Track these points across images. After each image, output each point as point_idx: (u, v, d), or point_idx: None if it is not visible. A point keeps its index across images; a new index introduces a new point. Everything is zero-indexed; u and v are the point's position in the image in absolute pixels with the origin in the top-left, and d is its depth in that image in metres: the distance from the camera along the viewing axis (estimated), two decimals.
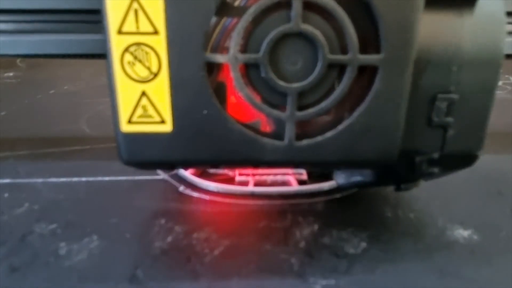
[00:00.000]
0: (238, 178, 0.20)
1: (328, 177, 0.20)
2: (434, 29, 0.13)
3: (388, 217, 0.17)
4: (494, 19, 0.13)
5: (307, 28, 0.12)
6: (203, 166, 0.15)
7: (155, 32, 0.12)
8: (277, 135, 0.13)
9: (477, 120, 0.14)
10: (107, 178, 0.20)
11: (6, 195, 0.18)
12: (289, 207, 0.18)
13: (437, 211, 0.18)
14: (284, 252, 0.15)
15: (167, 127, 0.13)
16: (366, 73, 0.13)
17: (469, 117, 0.14)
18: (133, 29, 0.12)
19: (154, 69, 0.12)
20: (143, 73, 0.12)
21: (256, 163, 0.15)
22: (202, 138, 0.13)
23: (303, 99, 0.13)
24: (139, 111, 0.13)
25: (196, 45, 0.12)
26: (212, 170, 0.21)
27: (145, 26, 0.12)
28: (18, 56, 0.19)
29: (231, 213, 0.17)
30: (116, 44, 0.12)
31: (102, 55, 0.13)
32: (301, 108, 0.13)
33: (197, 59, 0.12)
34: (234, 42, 0.12)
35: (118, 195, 0.19)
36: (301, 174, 0.20)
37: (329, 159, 0.14)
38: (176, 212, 0.17)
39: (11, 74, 0.42)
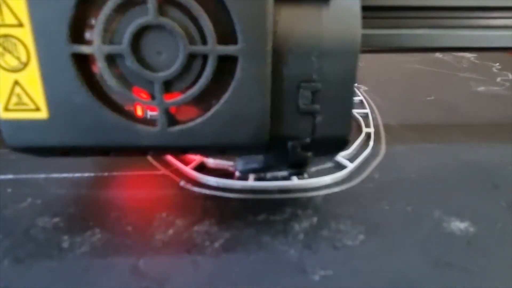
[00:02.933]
0: (238, 173, 0.20)
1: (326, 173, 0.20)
2: (293, 22, 0.14)
3: (385, 210, 0.18)
4: (350, 12, 0.14)
5: (165, 20, 0.13)
6: (81, 153, 0.16)
7: (20, 25, 0.13)
8: (152, 121, 0.14)
9: (342, 106, 0.15)
10: (107, 174, 0.20)
11: (9, 190, 0.19)
12: (288, 201, 0.18)
13: (434, 204, 0.18)
14: (283, 244, 0.15)
15: (43, 114, 0.14)
16: (229, 63, 0.13)
17: (335, 104, 0.15)
18: None
19: (23, 59, 0.13)
20: (13, 63, 0.13)
21: (132, 149, 0.15)
22: (77, 125, 0.14)
23: (173, 88, 0.14)
24: (14, 99, 0.14)
25: (60, 36, 0.13)
26: (212, 165, 0.21)
27: (9, 19, 0.13)
28: None
29: (231, 207, 0.18)
30: None
31: None
32: (173, 95, 0.14)
33: (63, 51, 0.13)
34: (96, 33, 0.13)
35: (119, 190, 0.19)
36: None
37: (201, 144, 0.14)
38: (176, 206, 0.18)
39: None
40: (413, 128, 0.27)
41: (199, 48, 0.13)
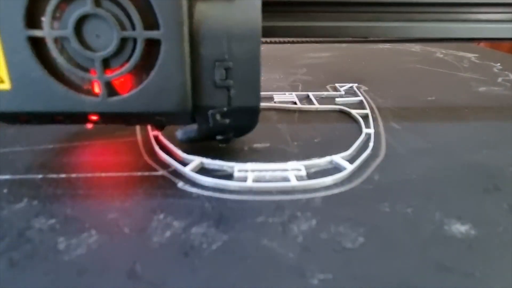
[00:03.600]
0: (236, 174, 0.20)
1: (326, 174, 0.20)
2: (206, 13, 0.18)
3: (385, 212, 0.17)
4: (252, 6, 0.18)
5: (100, 10, 0.16)
6: (39, 120, 0.19)
7: None
8: (96, 92, 0.18)
9: (251, 81, 0.19)
10: (105, 174, 0.20)
11: (5, 190, 0.19)
12: (287, 203, 0.18)
13: (435, 206, 0.18)
14: (281, 246, 0.15)
15: (6, 86, 0.17)
16: (155, 45, 0.17)
17: (245, 80, 0.18)
18: None
19: None
20: None
21: (79, 115, 0.18)
22: (34, 95, 0.17)
23: (111, 65, 0.17)
24: None
25: (17, 23, 0.16)
26: (211, 167, 0.21)
27: None
28: None
29: (229, 209, 0.18)
30: None
31: None
32: (112, 71, 0.18)
33: (20, 35, 0.16)
34: (46, 21, 0.16)
35: (116, 191, 0.19)
36: (299, 170, 0.21)
37: (135, 111, 0.18)
38: (174, 207, 0.17)
39: None
40: (414, 129, 0.27)
41: (129, 33, 0.17)
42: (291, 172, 0.20)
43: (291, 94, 0.33)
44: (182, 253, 0.15)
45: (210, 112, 0.19)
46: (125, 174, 0.20)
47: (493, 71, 0.46)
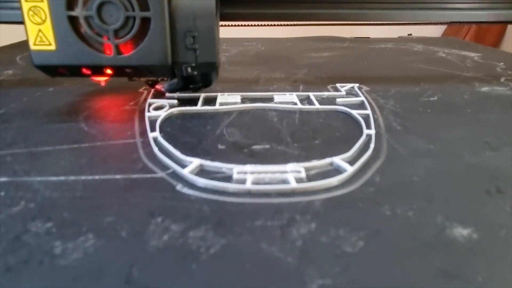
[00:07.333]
0: (235, 176, 0.20)
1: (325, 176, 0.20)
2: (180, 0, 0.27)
3: (386, 215, 0.17)
4: None
5: None
6: (72, 72, 0.28)
7: (42, 1, 0.26)
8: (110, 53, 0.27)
9: (210, 45, 0.28)
10: (104, 177, 0.20)
11: (2, 193, 0.18)
12: (287, 206, 0.18)
13: (436, 209, 0.18)
14: (280, 251, 0.15)
15: (53, 47, 0.27)
16: (147, 21, 0.26)
17: (205, 44, 0.28)
18: None
19: (44, 18, 0.26)
20: (39, 20, 0.26)
21: (99, 67, 0.28)
22: (70, 53, 0.27)
23: (119, 34, 0.27)
24: (39, 39, 0.26)
25: (61, 6, 0.26)
26: (209, 169, 0.21)
27: None
28: None
29: (228, 212, 0.17)
30: (25, 6, 0.26)
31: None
32: (120, 38, 0.27)
33: (63, 14, 0.26)
34: (79, 4, 0.26)
35: (115, 194, 0.19)
36: (299, 172, 0.20)
37: (135, 64, 0.27)
38: (172, 210, 0.17)
39: (10, 71, 0.42)
40: (416, 130, 0.27)
41: (130, 13, 0.26)
42: (290, 174, 0.20)
43: (292, 94, 0.33)
44: (180, 258, 0.15)
45: (183, 66, 0.28)
46: (124, 176, 0.20)
47: (497, 71, 0.45)
